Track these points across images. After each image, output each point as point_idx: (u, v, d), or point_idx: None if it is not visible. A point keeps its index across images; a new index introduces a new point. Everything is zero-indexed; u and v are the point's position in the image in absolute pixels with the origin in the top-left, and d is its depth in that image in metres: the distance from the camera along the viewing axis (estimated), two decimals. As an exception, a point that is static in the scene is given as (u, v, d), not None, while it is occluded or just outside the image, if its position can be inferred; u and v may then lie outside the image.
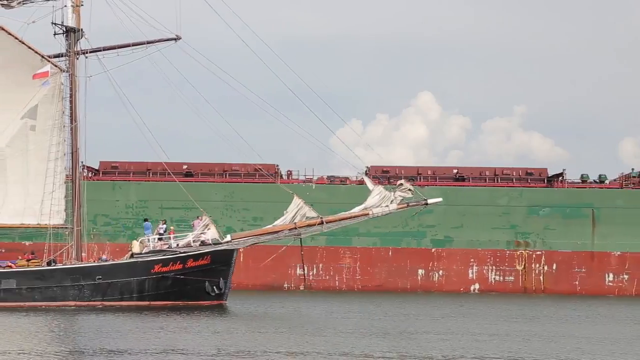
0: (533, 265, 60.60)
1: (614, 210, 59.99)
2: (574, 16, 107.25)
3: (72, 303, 42.94)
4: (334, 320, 38.33)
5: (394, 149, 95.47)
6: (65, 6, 47.04)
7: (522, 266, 60.68)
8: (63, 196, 46.57)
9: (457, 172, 64.69)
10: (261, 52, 46.67)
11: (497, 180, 62.87)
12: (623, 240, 59.87)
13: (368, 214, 46.57)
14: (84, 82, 47.09)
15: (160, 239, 45.17)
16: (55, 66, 46.80)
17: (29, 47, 47.18)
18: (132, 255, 44.61)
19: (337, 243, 59.70)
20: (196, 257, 44.87)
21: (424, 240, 60.39)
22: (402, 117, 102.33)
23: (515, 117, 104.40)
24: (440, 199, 47.26)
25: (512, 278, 60.60)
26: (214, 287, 45.20)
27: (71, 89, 47.10)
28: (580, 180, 63.31)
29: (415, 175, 63.21)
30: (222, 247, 45.11)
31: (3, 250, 46.75)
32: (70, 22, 47.05)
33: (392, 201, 46.42)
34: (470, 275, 60.69)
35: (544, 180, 63.30)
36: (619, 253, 60.11)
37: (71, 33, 47.06)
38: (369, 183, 47.56)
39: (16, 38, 47.04)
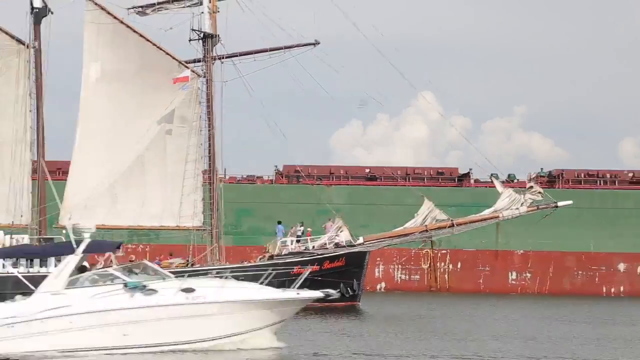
0: (438, 264, 61.29)
1: None
2: (574, 16, 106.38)
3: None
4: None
5: (394, 149, 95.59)
6: (202, 13, 48.16)
7: (428, 265, 60.80)
8: (201, 199, 47.82)
9: (369, 172, 65.24)
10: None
11: (409, 179, 63.19)
12: (526, 239, 60.56)
13: (498, 217, 47.21)
14: (220, 87, 48.33)
15: (298, 241, 46.25)
16: (193, 72, 47.95)
17: (167, 53, 48.39)
18: (271, 257, 45.75)
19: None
20: (332, 259, 45.95)
21: None
22: (403, 118, 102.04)
23: (516, 118, 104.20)
24: (570, 202, 47.54)
25: (418, 277, 61.19)
26: (348, 289, 46.21)
27: (208, 94, 48.24)
28: (490, 180, 63.76)
29: (328, 175, 64.72)
30: (357, 249, 46.10)
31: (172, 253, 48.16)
32: (207, 28, 48.15)
33: (522, 204, 46.90)
34: (377, 274, 61.47)
35: (454, 180, 63.58)
36: (521, 252, 60.59)
37: (208, 39, 48.14)
38: (498, 186, 48.17)
39: (154, 44, 48.29)
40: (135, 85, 48.23)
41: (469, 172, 63.49)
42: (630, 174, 65.53)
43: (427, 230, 46.77)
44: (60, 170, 56.46)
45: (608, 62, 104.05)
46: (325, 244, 46.38)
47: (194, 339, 22.18)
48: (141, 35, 48.21)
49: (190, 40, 48.66)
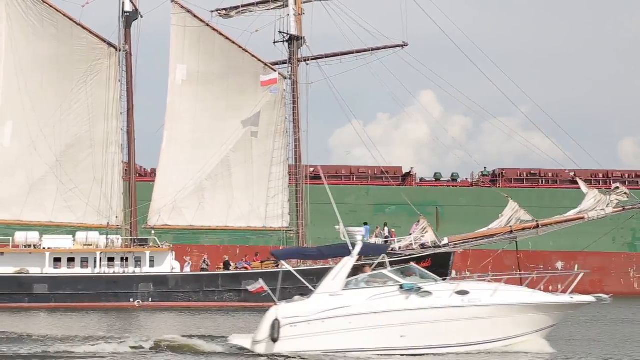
0: None
1: (457, 208, 60.32)
2: (574, 16, 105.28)
3: (307, 304, 44.51)
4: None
5: (394, 148, 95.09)
6: (288, 15, 48.56)
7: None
8: (287, 200, 48.26)
9: (313, 171, 64.96)
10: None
11: (353, 178, 62.74)
12: None
13: (583, 218, 46.96)
14: (305, 89, 48.68)
15: (385, 242, 46.47)
16: (279, 74, 48.35)
17: (252, 55, 48.87)
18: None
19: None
20: (419, 259, 45.97)
21: None
22: (403, 117, 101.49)
23: (516, 118, 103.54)
24: None
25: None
26: (436, 290, 46.29)
27: (294, 96, 48.63)
28: (433, 179, 63.98)
29: None
30: (443, 250, 46.23)
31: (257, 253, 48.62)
32: (293, 30, 48.53)
33: (607, 205, 46.70)
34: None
35: (398, 179, 63.17)
36: (461, 250, 60.11)
37: (294, 41, 48.53)
38: (583, 187, 47.88)
39: (240, 47, 48.80)
40: (220, 88, 48.80)
41: (410, 171, 63.52)
42: (572, 173, 65.88)
43: (512, 232, 46.73)
44: (146, 172, 57.48)
45: (608, 62, 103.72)
46: (412, 244, 46.53)
47: (468, 341, 22.13)
48: (227, 38, 48.73)
49: (274, 42, 49.05)
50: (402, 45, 46.69)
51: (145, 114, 48.93)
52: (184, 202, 47.84)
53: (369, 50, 47.04)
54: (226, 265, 46.23)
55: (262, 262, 47.00)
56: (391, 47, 46.78)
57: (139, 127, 48.68)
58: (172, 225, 47.86)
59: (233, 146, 48.56)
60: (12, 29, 46.87)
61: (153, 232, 47.16)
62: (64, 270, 43.68)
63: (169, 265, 44.99)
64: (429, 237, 47.06)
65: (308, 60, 48.60)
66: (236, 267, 46.25)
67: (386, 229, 47.82)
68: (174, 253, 45.92)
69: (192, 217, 47.94)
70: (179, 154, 48.28)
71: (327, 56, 48.31)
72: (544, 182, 65.27)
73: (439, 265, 46.64)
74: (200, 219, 48.02)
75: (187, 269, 46.56)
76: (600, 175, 66.40)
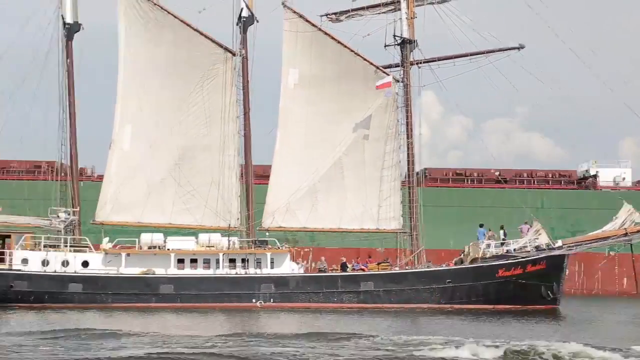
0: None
1: None
2: (574, 16, 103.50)
3: (425, 306, 44.95)
4: None
5: None
6: (400, 19, 48.96)
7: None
8: (399, 202, 48.64)
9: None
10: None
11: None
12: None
13: None
14: (417, 92, 49.03)
15: (502, 244, 46.65)
16: (394, 78, 48.75)
17: (364, 59, 49.34)
18: (474, 260, 46.28)
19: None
20: (534, 262, 46.17)
21: None
22: None
23: (516, 118, 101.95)
24: None
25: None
26: (549, 292, 46.39)
27: (406, 99, 48.98)
28: None
29: None
30: (557, 252, 46.24)
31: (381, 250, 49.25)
32: (405, 34, 48.90)
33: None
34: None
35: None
36: (383, 250, 58.44)
37: (406, 44, 48.89)
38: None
39: (352, 50, 49.30)
40: (331, 91, 49.33)
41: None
42: (497, 172, 65.50)
43: (627, 234, 46.57)
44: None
45: (608, 62, 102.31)
46: (526, 246, 46.63)
47: None
48: (339, 42, 49.25)
49: (385, 45, 49.39)
50: (518, 48, 46.71)
51: (256, 116, 49.21)
52: (297, 204, 48.50)
53: (483, 53, 47.13)
54: (343, 267, 46.76)
55: (378, 263, 47.49)
56: (506, 50, 46.81)
57: (253, 130, 49.42)
58: (286, 227, 48.53)
59: (345, 149, 49.04)
60: (130, 36, 47.94)
61: (267, 233, 47.92)
62: (187, 271, 44.60)
63: (288, 266, 45.67)
64: (543, 239, 47.14)
65: (420, 63, 48.90)
66: (353, 269, 46.76)
67: (501, 231, 47.88)
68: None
69: (306, 219, 48.55)
70: (292, 156, 48.93)
71: (439, 59, 48.51)
72: (468, 181, 65.88)
73: (554, 267, 46.79)
74: (314, 221, 48.60)
75: (301, 271, 47.15)
76: (525, 175, 67.12)
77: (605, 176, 67.54)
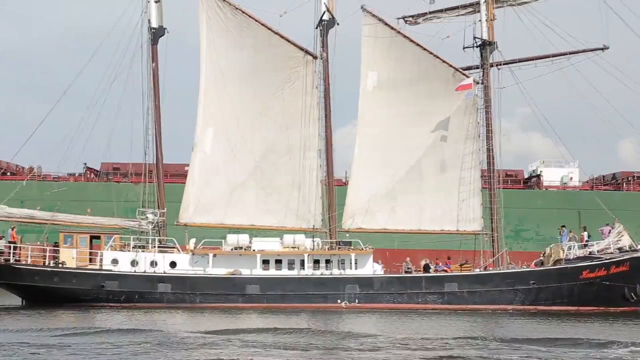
0: None
1: None
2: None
3: (509, 307, 44.93)
4: None
5: None
6: (480, 21, 49.06)
7: None
8: (479, 204, 48.68)
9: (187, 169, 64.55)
10: None
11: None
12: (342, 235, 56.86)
13: None
14: (497, 94, 49.06)
15: (585, 246, 46.51)
16: (474, 80, 48.83)
17: (444, 61, 49.50)
18: (557, 261, 46.18)
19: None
20: (618, 263, 45.96)
21: None
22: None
23: (516, 118, 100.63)
24: None
25: None
26: (632, 294, 46.14)
27: (486, 101, 49.04)
28: None
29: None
30: (640, 254, 46.01)
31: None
32: (485, 35, 48.98)
33: None
34: None
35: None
36: None
37: (486, 46, 48.98)
38: None
39: (431, 53, 49.48)
40: (409, 94, 49.54)
41: None
42: None
43: None
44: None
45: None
46: (609, 248, 46.44)
47: None
48: (418, 45, 49.45)
49: (464, 47, 49.51)
50: (602, 49, 46.50)
51: (335, 117, 49.49)
52: (376, 206, 48.76)
53: (565, 54, 47.05)
54: (426, 268, 46.90)
55: (461, 264, 47.56)
56: (590, 51, 46.65)
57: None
58: (366, 228, 48.76)
59: (424, 151, 49.21)
60: (212, 39, 48.51)
61: (348, 234, 48.20)
62: (272, 272, 45.01)
63: (370, 267, 45.91)
64: (626, 241, 46.93)
65: (500, 65, 48.94)
66: (436, 270, 46.89)
67: (585, 232, 47.72)
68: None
69: (386, 221, 48.80)
70: (371, 158, 49.20)
71: (520, 61, 48.52)
72: None
73: (637, 269, 46.53)
74: (394, 223, 48.83)
75: (380, 272, 47.30)
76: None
77: (553, 176, 69.32)
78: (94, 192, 61.33)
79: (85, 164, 67.38)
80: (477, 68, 49.48)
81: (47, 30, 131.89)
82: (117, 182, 62.49)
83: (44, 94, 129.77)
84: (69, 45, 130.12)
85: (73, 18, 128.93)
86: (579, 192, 68.46)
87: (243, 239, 45.57)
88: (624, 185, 72.04)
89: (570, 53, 46.95)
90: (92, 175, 67.82)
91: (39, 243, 45.31)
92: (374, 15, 49.67)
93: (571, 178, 71.18)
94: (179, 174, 63.07)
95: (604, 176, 74.76)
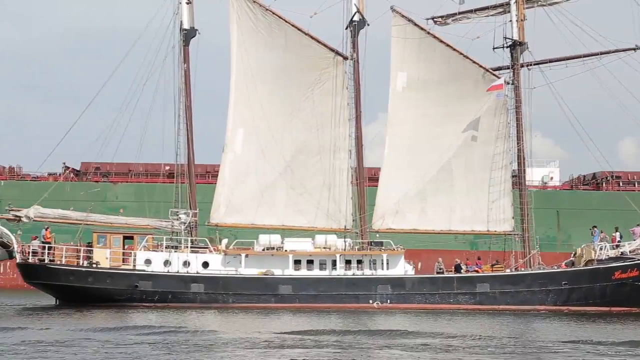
0: None
1: None
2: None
3: (541, 307, 44.87)
4: None
5: None
6: (511, 21, 49.04)
7: None
8: (510, 204, 48.63)
9: (169, 169, 62.94)
10: None
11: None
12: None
13: None
14: (527, 94, 49.00)
15: (617, 246, 46.39)
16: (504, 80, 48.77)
17: (473, 62, 49.46)
18: (589, 262, 46.08)
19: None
20: (649, 264, 45.85)
21: None
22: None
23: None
24: None
25: None
26: (665, 294, 45.98)
27: (516, 101, 49.00)
28: None
29: (127, 172, 64.29)
30: (673, 255, 45.83)
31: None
32: (515, 36, 48.94)
33: None
34: None
35: None
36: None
37: (517, 46, 48.93)
38: None
39: (460, 53, 49.49)
40: (438, 94, 49.55)
41: None
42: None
43: None
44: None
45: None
46: (640, 248, 46.35)
47: None
48: (448, 45, 49.46)
49: (494, 48, 49.47)
50: (634, 49, 46.40)
51: (364, 118, 49.55)
52: (406, 206, 48.79)
53: (597, 55, 46.96)
54: (457, 269, 46.91)
55: (492, 265, 47.54)
56: (622, 51, 46.56)
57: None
58: (396, 228, 48.79)
59: (454, 152, 49.20)
60: (242, 40, 48.68)
61: (378, 235, 48.26)
62: (304, 272, 45.10)
63: (402, 267, 45.95)
64: (657, 241, 46.79)
65: (530, 65, 48.89)
66: (467, 271, 46.89)
67: (617, 232, 47.58)
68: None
69: (416, 221, 48.83)
70: (400, 159, 49.22)
71: (551, 61, 48.46)
72: None
73: (668, 269, 46.40)
74: (424, 223, 48.85)
75: (412, 272, 47.32)
76: None
77: (534, 176, 67.37)
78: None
79: (65, 163, 68.32)
80: (507, 68, 49.41)
81: (47, 30, 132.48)
82: (95, 181, 62.71)
83: (44, 94, 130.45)
84: (69, 45, 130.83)
85: (73, 18, 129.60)
86: (558, 192, 68.76)
87: (275, 239, 45.68)
88: (603, 184, 73.09)
89: (602, 53, 46.83)
90: (72, 175, 68.31)
91: (72, 243, 45.58)
92: (403, 16, 49.72)
93: (552, 178, 71.56)
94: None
95: (584, 176, 75.64)
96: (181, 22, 47.59)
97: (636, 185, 73.09)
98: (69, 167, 67.98)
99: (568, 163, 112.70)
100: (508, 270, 46.91)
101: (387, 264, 45.65)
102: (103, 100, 47.95)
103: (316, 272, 45.19)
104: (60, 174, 66.96)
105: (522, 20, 49.06)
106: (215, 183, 48.98)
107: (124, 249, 44.79)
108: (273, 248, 45.52)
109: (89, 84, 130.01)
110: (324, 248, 45.84)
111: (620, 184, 73.12)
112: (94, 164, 66.46)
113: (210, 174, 65.60)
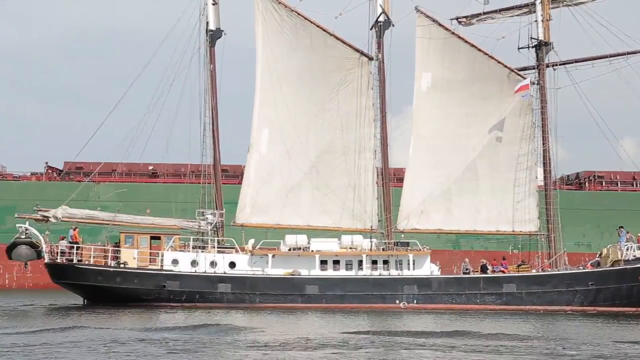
0: None
1: None
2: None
3: (567, 308, 44.82)
4: None
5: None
6: (536, 21, 48.98)
7: None
8: (535, 205, 48.57)
9: (152, 169, 65.08)
10: None
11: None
12: None
13: None
14: (553, 94, 48.92)
15: (642, 247, 46.27)
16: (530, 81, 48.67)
17: (498, 62, 49.44)
18: (616, 262, 45.99)
19: None
20: (669, 265, 45.72)
21: None
22: (403, 117, 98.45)
23: None
24: None
25: None
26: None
27: (542, 101, 48.92)
28: None
29: (110, 172, 65.14)
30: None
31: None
32: (540, 36, 48.88)
33: None
34: None
35: None
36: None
37: (542, 47, 48.88)
38: None
39: (485, 54, 49.45)
40: (462, 95, 49.52)
41: None
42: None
43: None
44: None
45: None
46: (665, 249, 46.22)
47: None
48: (472, 45, 49.42)
49: (519, 48, 49.41)
50: (661, 49, 46.37)
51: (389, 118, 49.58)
52: (432, 207, 48.78)
53: (624, 55, 46.87)
54: (483, 269, 46.89)
55: (518, 265, 47.50)
56: (649, 50, 46.52)
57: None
58: (421, 229, 48.81)
59: (479, 152, 49.17)
60: (268, 41, 48.76)
61: (403, 235, 48.28)
62: (330, 272, 45.16)
63: (428, 267, 45.96)
64: (678, 243, 46.68)
65: (556, 65, 48.82)
66: (493, 271, 46.86)
67: (645, 233, 47.53)
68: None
69: (441, 221, 48.83)
70: (425, 159, 49.23)
71: (577, 61, 48.38)
72: None
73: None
74: (449, 223, 48.85)
75: (437, 272, 47.31)
76: None
77: None
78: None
79: (47, 163, 68.68)
80: (532, 69, 49.37)
81: (47, 30, 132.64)
82: (79, 181, 62.95)
83: (43, 94, 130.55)
84: (69, 45, 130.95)
85: (73, 18, 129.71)
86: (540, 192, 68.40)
87: (301, 239, 45.77)
88: (586, 184, 73.76)
89: (629, 53, 46.76)
90: (55, 175, 68.51)
91: (99, 243, 45.79)
92: (427, 17, 49.72)
93: (536, 177, 71.12)
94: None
95: (568, 176, 75.85)
96: (207, 23, 47.72)
97: (619, 185, 73.80)
98: (52, 167, 69.01)
99: (568, 163, 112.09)
100: (534, 271, 46.89)
101: (413, 264, 45.66)
102: (127, 100, 48.02)
103: (342, 272, 45.26)
104: (41, 174, 67.69)
105: (547, 20, 48.99)
106: (239, 183, 49.08)
107: (151, 249, 44.94)
108: (299, 248, 45.61)
109: (89, 84, 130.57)
110: (350, 248, 45.90)
111: (603, 183, 73.98)
112: (77, 163, 66.81)
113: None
